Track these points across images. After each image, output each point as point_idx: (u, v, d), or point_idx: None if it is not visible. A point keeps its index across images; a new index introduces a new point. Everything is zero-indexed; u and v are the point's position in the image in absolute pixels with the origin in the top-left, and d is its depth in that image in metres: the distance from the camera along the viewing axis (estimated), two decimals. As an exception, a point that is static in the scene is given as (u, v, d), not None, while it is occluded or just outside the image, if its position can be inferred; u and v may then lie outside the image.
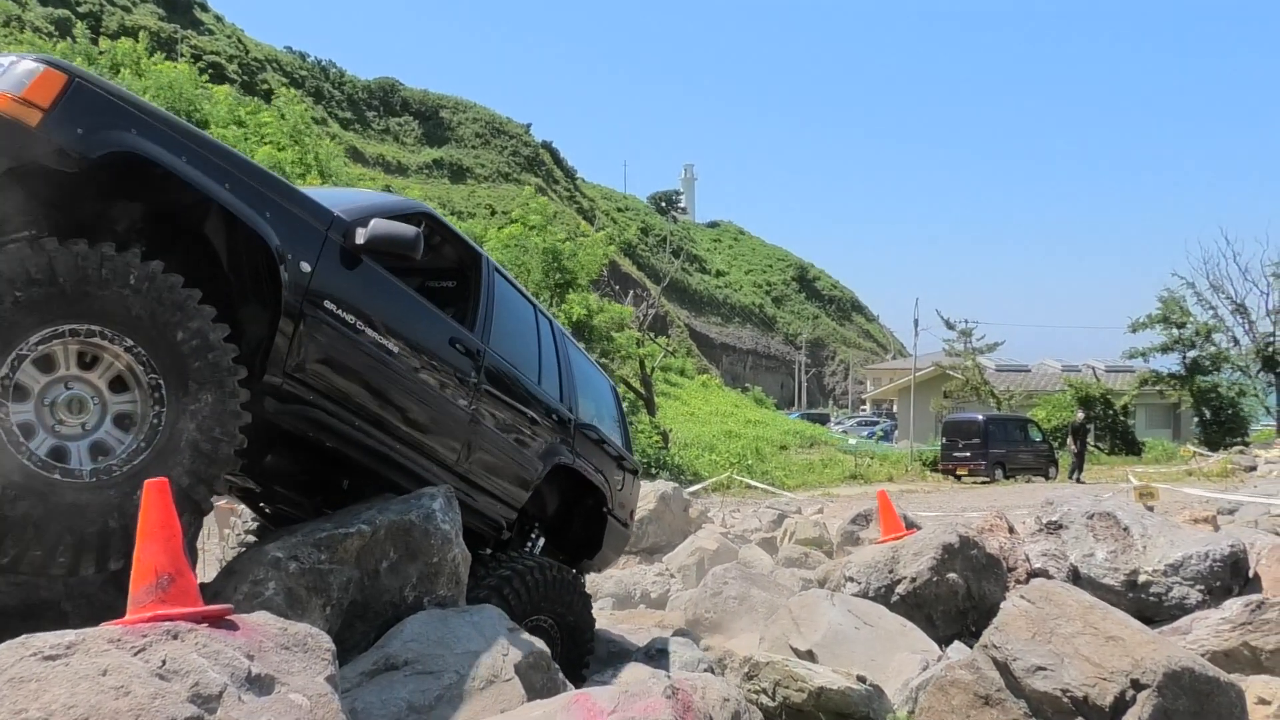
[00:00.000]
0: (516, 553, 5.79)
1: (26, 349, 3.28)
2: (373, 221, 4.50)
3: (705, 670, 6.27)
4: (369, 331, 4.50)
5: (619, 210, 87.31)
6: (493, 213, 55.56)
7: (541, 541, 6.41)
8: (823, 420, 61.29)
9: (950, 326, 46.47)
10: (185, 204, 3.83)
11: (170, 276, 3.58)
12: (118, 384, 3.55)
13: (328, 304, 4.28)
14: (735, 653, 6.72)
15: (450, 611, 4.48)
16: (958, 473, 31.66)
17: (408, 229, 4.51)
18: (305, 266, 4.16)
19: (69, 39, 35.03)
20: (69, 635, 2.36)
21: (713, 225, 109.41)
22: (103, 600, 3.70)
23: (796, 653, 6.17)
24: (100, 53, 29.59)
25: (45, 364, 3.38)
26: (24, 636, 2.35)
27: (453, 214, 49.91)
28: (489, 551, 5.69)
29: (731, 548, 12.50)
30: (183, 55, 42.73)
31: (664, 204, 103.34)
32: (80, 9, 50.06)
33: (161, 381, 3.56)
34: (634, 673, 5.48)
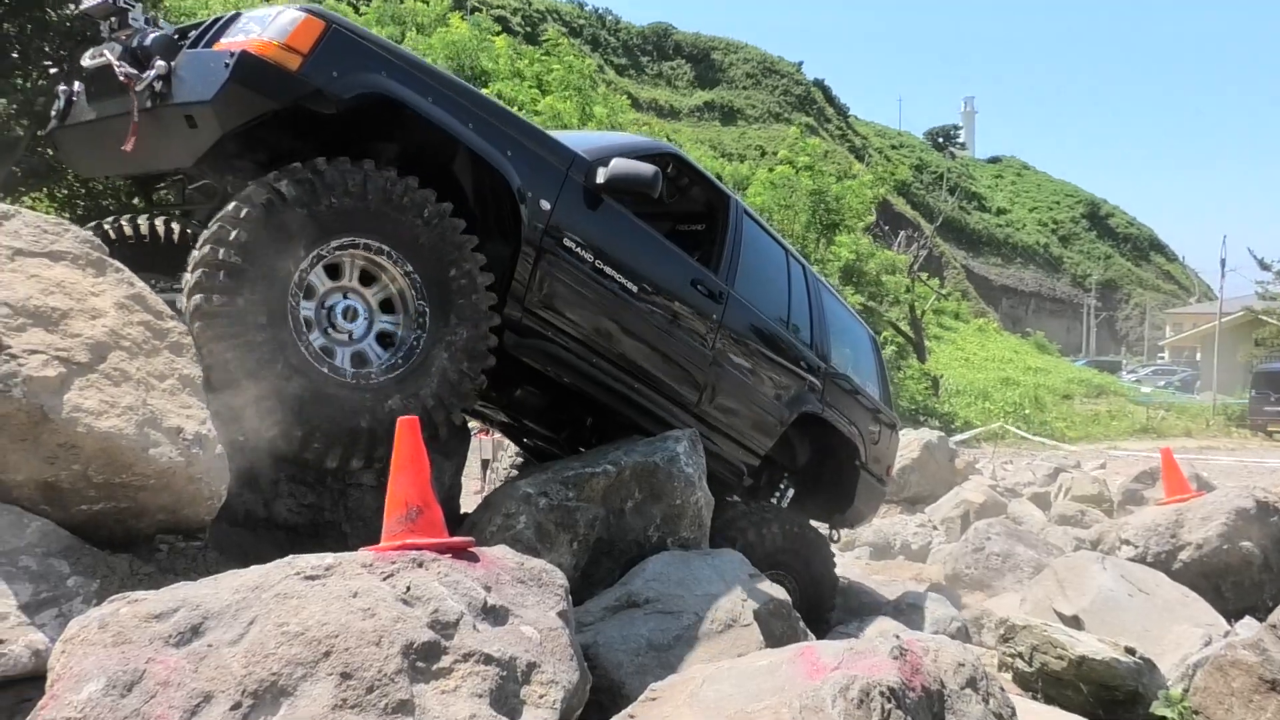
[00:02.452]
0: (762, 502, 5.78)
1: (325, 250, 3.64)
2: (613, 161, 4.58)
3: (958, 628, 6.07)
4: (607, 269, 4.59)
5: (893, 148, 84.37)
6: (763, 154, 55.16)
7: (791, 493, 6.36)
8: (1113, 368, 57.16)
9: (1265, 267, 41.70)
10: (433, 143, 4.05)
11: (456, 219, 3.88)
12: (387, 305, 3.88)
13: (566, 241, 4.41)
14: (993, 613, 6.46)
15: (692, 554, 4.55)
16: (1269, 429, 28.70)
17: (646, 168, 4.54)
18: (545, 204, 4.31)
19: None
20: (328, 558, 2.59)
21: (994, 161, 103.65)
22: (378, 525, 4.04)
23: (1060, 617, 5.84)
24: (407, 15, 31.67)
25: (333, 271, 3.74)
26: (290, 557, 2.60)
27: (722, 156, 49.99)
28: (734, 499, 5.72)
29: (1000, 501, 11.98)
30: (475, 9, 45.00)
31: (941, 140, 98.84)
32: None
33: (427, 309, 3.86)
34: (880, 626, 5.38)
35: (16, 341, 2.95)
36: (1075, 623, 5.71)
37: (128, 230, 4.53)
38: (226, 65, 3.43)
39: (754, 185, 31.04)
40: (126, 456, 3.03)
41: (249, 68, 3.45)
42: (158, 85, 3.57)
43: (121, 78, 3.59)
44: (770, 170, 32.72)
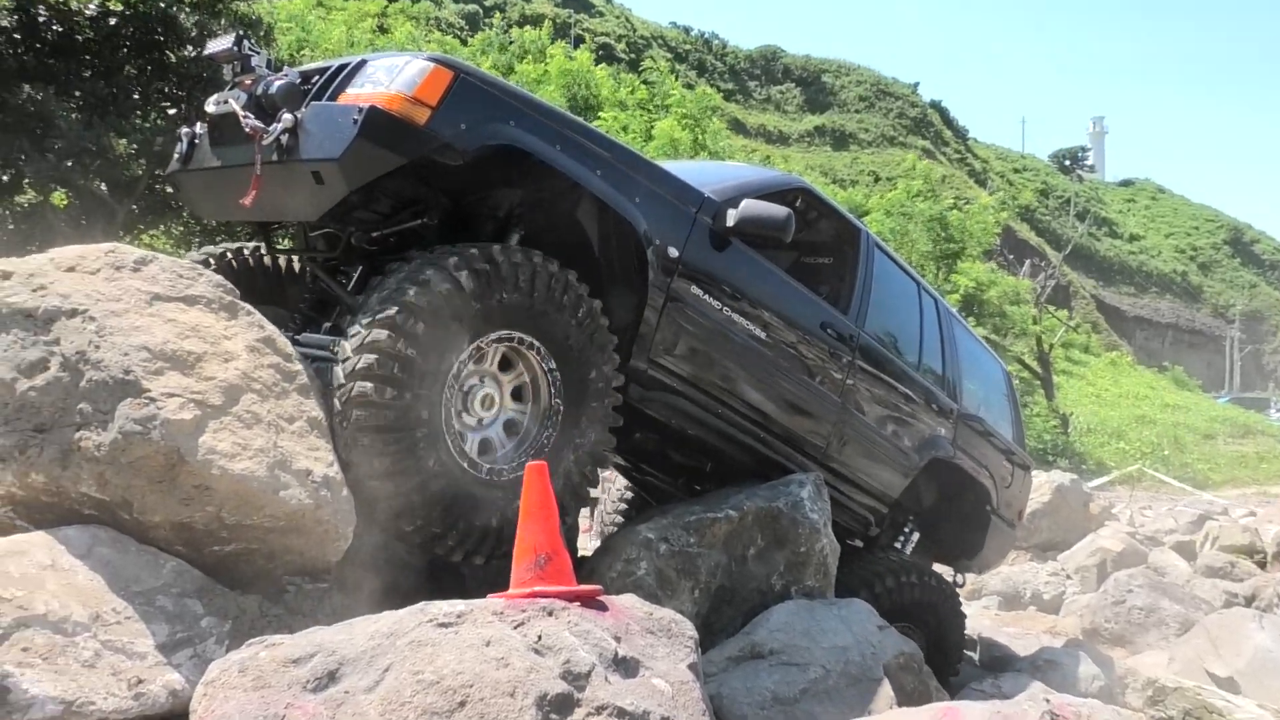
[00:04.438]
0: (887, 549, 5.71)
1: (485, 343, 3.71)
2: (743, 203, 4.57)
3: (1100, 688, 5.87)
4: (735, 316, 4.60)
5: (1015, 171, 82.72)
6: (876, 179, 54.66)
7: (915, 537, 6.27)
8: (1260, 406, 54.68)
9: None
10: (559, 191, 4.11)
11: (602, 318, 3.96)
12: (517, 393, 3.94)
13: (694, 289, 4.43)
14: (1138, 672, 6.23)
15: (818, 603, 4.53)
16: None
17: (778, 211, 4.54)
18: (673, 251, 4.33)
19: (484, 26, 38.60)
20: (459, 605, 2.65)
21: (1125, 184, 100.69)
22: (495, 568, 4.11)
23: (1214, 679, 5.62)
24: (510, 42, 32.49)
25: (477, 356, 3.79)
26: (423, 604, 2.68)
27: (834, 183, 49.71)
28: (858, 544, 5.66)
29: (1140, 550, 11.56)
30: (580, 38, 45.89)
31: (1068, 162, 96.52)
32: (486, 3, 55.09)
33: (562, 408, 3.92)
34: (1015, 685, 5.24)
35: (155, 385, 3.11)
36: (1230, 685, 5.49)
37: (232, 259, 4.59)
38: (355, 121, 3.46)
39: (870, 213, 30.78)
40: (258, 498, 3.16)
41: (378, 124, 3.47)
42: (284, 139, 3.60)
43: (248, 130, 3.65)
44: (883, 197, 32.42)
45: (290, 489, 3.22)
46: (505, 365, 3.89)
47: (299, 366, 3.52)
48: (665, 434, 4.76)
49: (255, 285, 4.39)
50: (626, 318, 4.29)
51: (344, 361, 3.45)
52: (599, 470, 4.08)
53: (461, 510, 3.60)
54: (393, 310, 3.42)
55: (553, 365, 3.87)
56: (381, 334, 3.39)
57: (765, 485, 4.78)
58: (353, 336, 3.45)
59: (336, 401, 3.45)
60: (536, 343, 3.81)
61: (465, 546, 3.66)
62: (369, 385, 3.37)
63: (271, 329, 3.57)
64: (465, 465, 3.63)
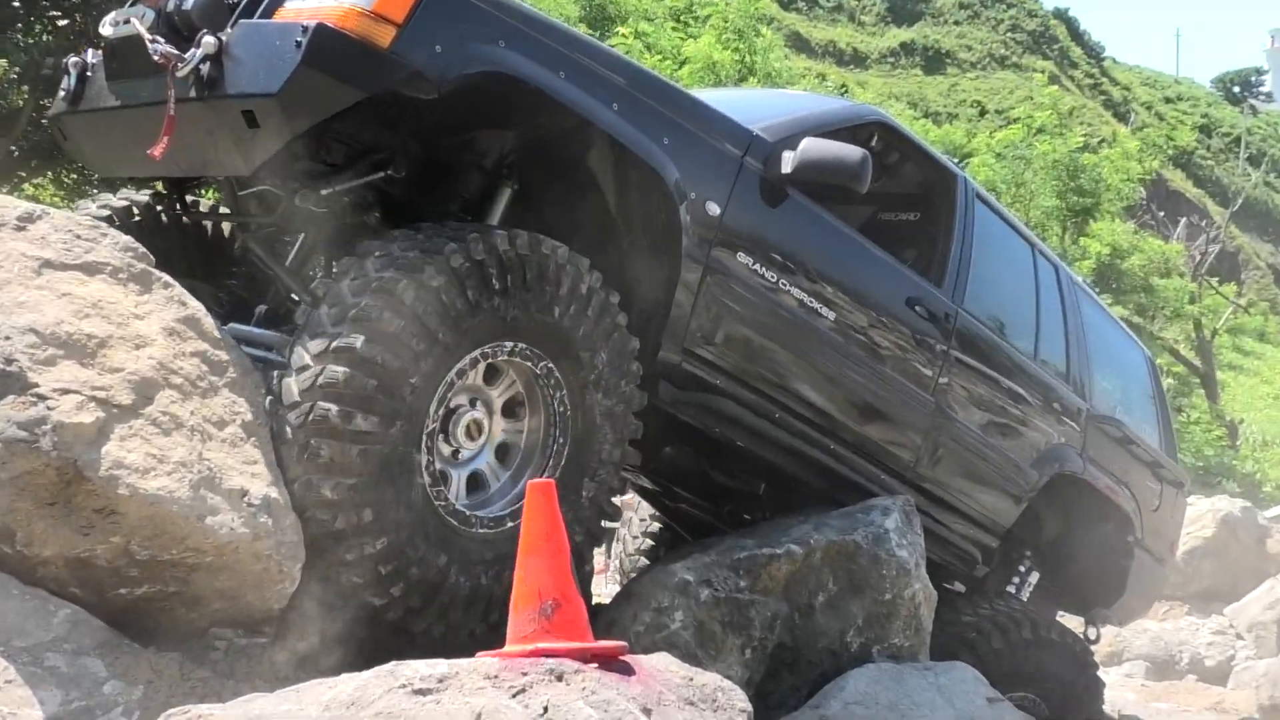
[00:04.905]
0: (998, 596, 5.69)
1: (480, 356, 3.72)
2: (804, 143, 4.54)
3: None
4: (795, 292, 4.59)
5: (1166, 102, 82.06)
6: (982, 112, 54.41)
7: (1034, 578, 6.24)
8: None
9: None
10: (563, 131, 4.07)
11: (620, 315, 3.98)
12: (509, 409, 3.96)
13: (741, 256, 4.42)
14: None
15: (907, 667, 4.52)
16: None
17: (850, 153, 4.51)
18: (713, 208, 4.31)
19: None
20: (441, 666, 2.66)
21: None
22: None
23: None
24: None
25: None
26: (393, 664, 2.69)
27: (925, 116, 49.47)
28: (958, 587, 5.64)
29: (1334, 602, 11.49)
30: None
31: (1237, 89, 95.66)
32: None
33: (565, 452, 3.93)
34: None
35: (45, 378, 3.11)
36: None
37: (140, 214, 4.46)
38: (298, 44, 3.39)
39: (972, 157, 30.61)
40: (178, 526, 3.16)
41: (327, 48, 3.41)
42: (204, 70, 3.52)
43: (157, 58, 3.57)
44: (992, 135, 32.21)
45: (220, 514, 3.23)
46: (491, 375, 3.90)
47: (230, 356, 3.54)
48: (705, 447, 4.76)
49: (171, 251, 4.31)
50: (654, 296, 4.28)
51: (300, 372, 3.42)
52: (619, 496, 4.09)
53: (444, 574, 3.61)
54: (377, 308, 3.39)
55: (561, 394, 3.89)
56: (358, 340, 3.37)
57: (837, 513, 4.77)
58: (315, 339, 3.42)
59: (286, 427, 3.44)
60: (550, 364, 3.84)
61: (449, 619, 3.67)
62: (334, 408, 3.35)
63: (195, 306, 3.60)
64: (450, 516, 3.65)
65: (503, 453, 3.94)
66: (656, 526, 6.74)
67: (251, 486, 3.33)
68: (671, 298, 4.26)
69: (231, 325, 3.99)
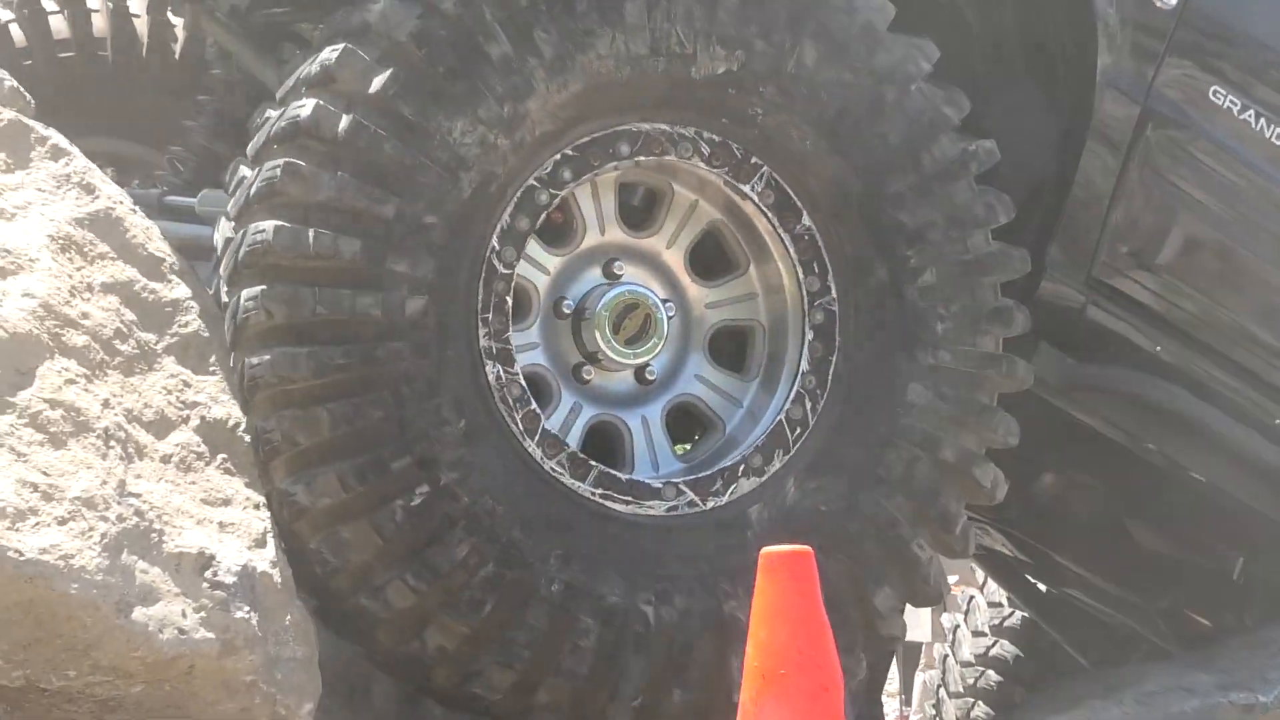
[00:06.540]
0: None
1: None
2: None
3: None
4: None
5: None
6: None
7: None
8: None
9: None
10: None
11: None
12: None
13: (1221, 92, 2.91)
14: None
15: None
16: None
17: None
18: (1147, 71, 2.84)
19: None
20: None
21: None
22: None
23: None
24: None
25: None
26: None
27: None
28: None
29: None
30: None
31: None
32: None
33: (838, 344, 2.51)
34: None
35: None
36: None
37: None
38: None
39: None
40: (80, 624, 1.84)
41: None
42: None
43: None
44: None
45: (160, 602, 1.93)
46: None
47: (187, 288, 2.17)
48: (1118, 467, 3.18)
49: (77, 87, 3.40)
50: (1032, 180, 2.84)
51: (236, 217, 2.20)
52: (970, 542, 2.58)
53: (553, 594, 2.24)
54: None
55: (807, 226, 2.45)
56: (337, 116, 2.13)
57: None
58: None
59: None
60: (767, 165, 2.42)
61: (561, 689, 2.25)
62: (264, 358, 2.11)
63: (114, 193, 2.21)
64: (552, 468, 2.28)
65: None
66: (1017, 622, 4.61)
67: (219, 549, 1.95)
68: (1069, 186, 2.81)
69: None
